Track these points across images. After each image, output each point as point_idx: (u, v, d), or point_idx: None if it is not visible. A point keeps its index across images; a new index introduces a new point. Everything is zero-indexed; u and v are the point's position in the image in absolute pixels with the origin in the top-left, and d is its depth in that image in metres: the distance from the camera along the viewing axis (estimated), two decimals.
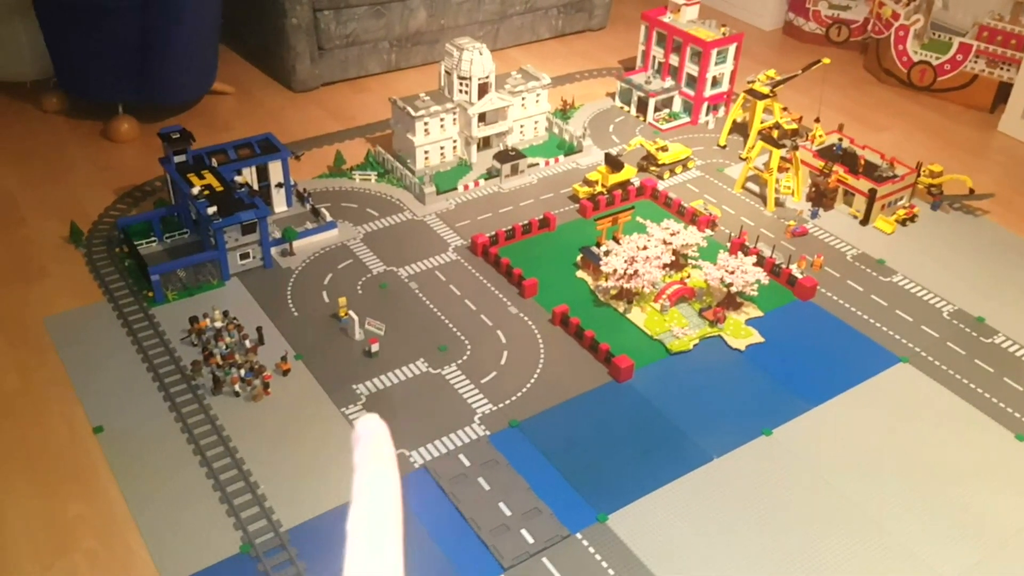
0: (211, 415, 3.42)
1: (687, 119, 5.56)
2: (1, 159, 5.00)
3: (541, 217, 4.55)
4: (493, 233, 4.44)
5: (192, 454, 3.27)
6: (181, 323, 3.85)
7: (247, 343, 3.73)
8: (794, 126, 4.91)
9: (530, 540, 3.01)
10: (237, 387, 3.52)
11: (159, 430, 3.37)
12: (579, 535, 3.04)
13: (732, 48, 5.43)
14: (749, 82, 5.22)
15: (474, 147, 5.02)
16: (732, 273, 3.88)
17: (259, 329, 3.79)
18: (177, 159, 4.31)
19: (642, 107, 5.57)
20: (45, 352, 3.71)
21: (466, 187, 4.87)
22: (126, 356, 3.69)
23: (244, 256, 4.17)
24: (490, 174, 4.95)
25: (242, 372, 3.55)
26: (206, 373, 3.58)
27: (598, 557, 2.97)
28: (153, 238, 4.29)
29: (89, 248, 4.32)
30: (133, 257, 4.19)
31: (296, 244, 4.37)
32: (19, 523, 3.02)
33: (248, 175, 4.45)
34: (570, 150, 5.21)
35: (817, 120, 5.14)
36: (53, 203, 4.65)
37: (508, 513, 3.10)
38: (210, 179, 4.21)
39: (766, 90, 5.08)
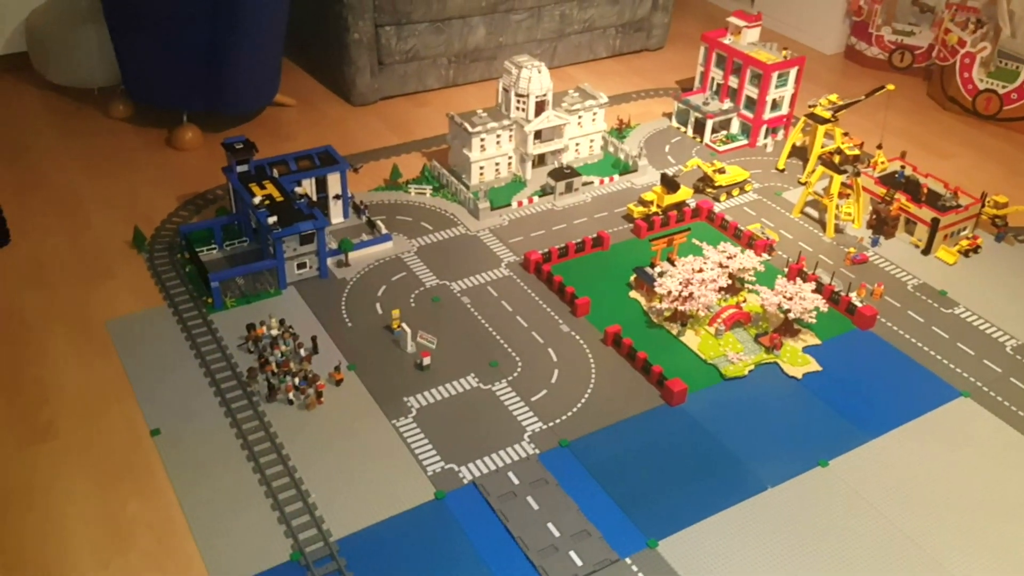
0: (265, 422, 3.46)
1: (745, 141, 5.51)
2: (68, 163, 5.14)
3: (595, 236, 4.53)
4: (546, 250, 4.44)
5: (246, 460, 3.31)
6: (238, 330, 3.91)
7: (302, 352, 3.77)
8: (856, 152, 4.83)
9: (579, 563, 2.99)
10: (291, 395, 3.56)
11: (214, 435, 3.41)
12: (628, 560, 3.01)
13: (793, 71, 5.38)
14: (810, 106, 5.16)
15: (529, 164, 5.03)
16: (790, 299, 3.83)
17: (314, 338, 3.83)
18: (240, 169, 4.39)
19: (699, 128, 5.53)
20: (106, 354, 3.79)
21: (520, 204, 4.88)
22: (185, 360, 3.75)
23: (301, 266, 4.22)
24: (544, 191, 4.96)
25: (296, 380, 3.59)
26: (261, 380, 3.63)
27: None
28: (214, 245, 4.37)
29: (151, 253, 4.41)
30: (194, 263, 4.27)
31: (351, 255, 4.41)
32: (79, 521, 3.08)
33: (307, 186, 4.51)
34: (625, 169, 5.19)
35: (879, 147, 5.05)
36: (117, 207, 4.77)
37: (557, 534, 3.08)
38: (271, 189, 4.28)
39: (828, 114, 5.02)
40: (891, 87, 5.14)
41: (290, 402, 3.56)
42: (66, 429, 3.43)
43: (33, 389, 3.60)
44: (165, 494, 3.18)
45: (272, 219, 4.05)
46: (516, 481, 3.27)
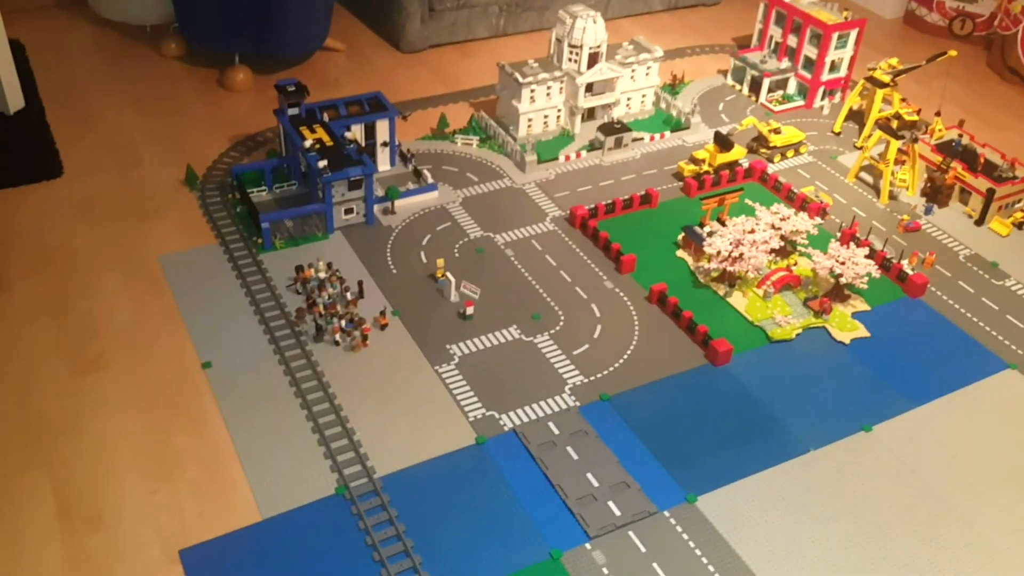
0: (312, 361, 3.51)
1: (801, 102, 5.40)
2: (120, 100, 5.18)
3: (643, 193, 4.49)
4: (593, 206, 4.41)
5: (293, 396, 3.37)
6: (287, 271, 3.95)
7: (348, 295, 3.80)
8: (915, 117, 4.72)
9: (617, 513, 3.01)
10: (338, 336, 3.60)
11: (263, 370, 3.47)
12: (667, 513, 3.03)
13: (853, 33, 5.24)
14: (870, 69, 5.03)
15: (578, 117, 4.98)
16: (843, 264, 3.78)
17: (360, 283, 3.86)
18: (291, 112, 4.40)
19: (755, 87, 5.43)
20: (159, 288, 3.85)
21: (567, 158, 4.84)
22: (235, 298, 3.80)
23: (348, 211, 4.24)
24: (592, 146, 4.91)
25: (343, 323, 3.63)
26: (309, 321, 3.67)
27: (685, 536, 2.95)
28: (263, 187, 4.40)
29: (203, 192, 4.46)
30: (245, 204, 4.31)
31: (397, 203, 4.42)
32: (128, 450, 3.15)
33: (356, 132, 4.51)
34: (677, 126, 5.12)
35: (938, 114, 4.93)
36: (169, 146, 4.81)
37: (596, 484, 3.11)
38: (321, 133, 4.29)
39: (887, 78, 4.89)
40: (953, 53, 4.99)
41: (336, 343, 3.60)
42: (117, 360, 3.50)
43: (85, 320, 3.67)
44: (215, 425, 3.25)
45: (322, 163, 4.06)
46: (556, 431, 3.30)
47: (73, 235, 4.13)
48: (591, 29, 4.72)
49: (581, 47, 4.76)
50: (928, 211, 4.56)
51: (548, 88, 4.87)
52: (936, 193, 4.61)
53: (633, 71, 5.02)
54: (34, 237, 4.10)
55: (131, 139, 4.85)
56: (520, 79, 4.76)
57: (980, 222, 4.51)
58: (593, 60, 4.81)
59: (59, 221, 4.22)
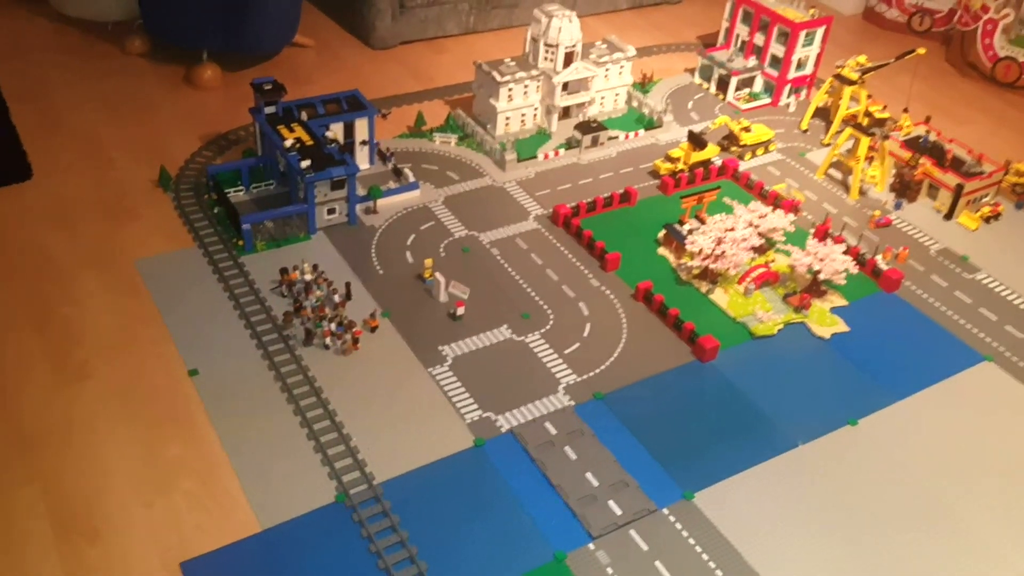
0: (303, 366, 3.47)
1: (768, 100, 5.49)
2: (85, 100, 5.03)
3: (622, 191, 4.53)
4: (574, 204, 4.43)
5: (286, 403, 3.33)
6: (270, 273, 3.89)
7: (336, 297, 3.77)
8: (885, 115, 4.83)
9: (618, 512, 3.05)
10: (328, 340, 3.57)
11: (253, 377, 3.42)
12: (666, 511, 3.07)
13: (820, 31, 5.35)
14: (838, 67, 5.14)
15: (555, 116, 4.99)
16: (822, 260, 3.86)
17: (348, 284, 3.83)
18: (267, 110, 4.33)
19: (723, 85, 5.50)
20: (138, 294, 3.77)
21: (546, 156, 4.86)
22: (218, 303, 3.74)
23: (331, 211, 4.20)
24: (569, 144, 4.94)
25: (332, 326, 3.60)
26: (297, 325, 3.63)
27: (685, 533, 3.00)
28: (240, 187, 4.32)
29: (177, 193, 4.36)
30: (222, 205, 4.23)
31: (379, 203, 4.39)
32: (121, 461, 3.08)
33: (336, 131, 4.46)
34: (650, 125, 5.17)
35: (906, 110, 5.06)
36: (139, 146, 4.69)
37: (595, 483, 3.14)
38: (300, 132, 4.23)
39: (855, 76, 5.01)
40: (922, 51, 5.12)
41: (326, 347, 3.57)
42: (102, 368, 3.42)
43: (65, 328, 3.58)
44: (206, 434, 3.20)
45: (305, 163, 4.01)
46: (553, 431, 3.32)
47: (46, 239, 4.02)
48: (567, 28, 4.73)
49: (557, 46, 4.77)
50: (898, 206, 4.69)
51: (525, 87, 4.87)
52: (905, 189, 4.74)
53: (607, 70, 5.05)
54: (7, 242, 3.98)
55: (100, 140, 4.72)
56: (498, 77, 4.76)
57: (949, 216, 4.64)
58: (569, 59, 4.83)
59: (32, 225, 4.09)
